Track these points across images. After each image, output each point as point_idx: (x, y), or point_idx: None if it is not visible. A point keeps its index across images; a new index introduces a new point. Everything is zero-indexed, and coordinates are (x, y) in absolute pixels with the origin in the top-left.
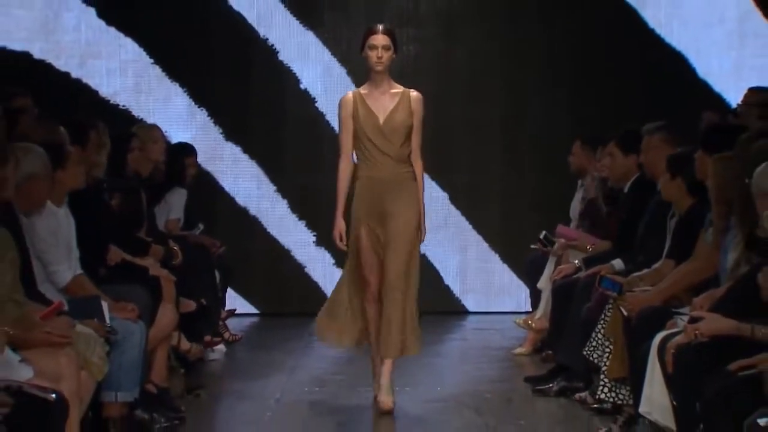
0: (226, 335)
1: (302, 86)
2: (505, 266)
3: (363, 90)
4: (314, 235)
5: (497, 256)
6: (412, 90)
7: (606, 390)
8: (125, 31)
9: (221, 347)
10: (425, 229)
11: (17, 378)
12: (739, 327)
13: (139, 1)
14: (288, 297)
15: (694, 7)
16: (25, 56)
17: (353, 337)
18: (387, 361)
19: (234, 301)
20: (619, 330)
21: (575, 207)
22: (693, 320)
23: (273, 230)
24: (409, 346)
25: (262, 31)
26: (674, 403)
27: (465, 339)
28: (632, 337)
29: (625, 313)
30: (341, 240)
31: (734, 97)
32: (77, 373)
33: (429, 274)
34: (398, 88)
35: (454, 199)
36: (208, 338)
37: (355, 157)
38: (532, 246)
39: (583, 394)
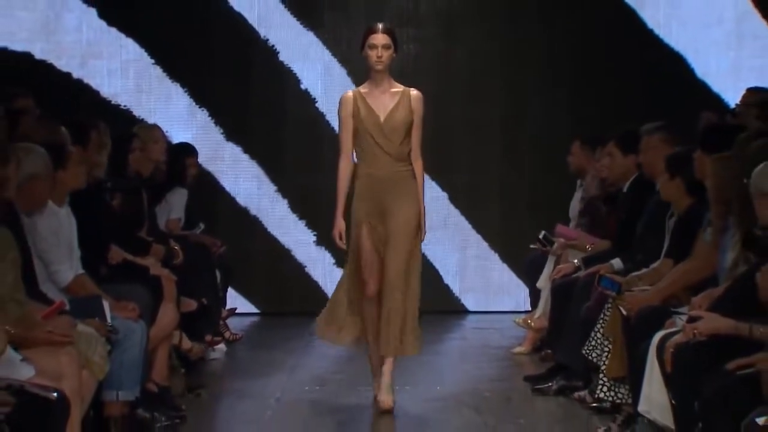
0: (227, 334)
1: (302, 86)
2: (505, 266)
3: (363, 89)
4: (314, 235)
5: (497, 255)
6: (412, 89)
7: (605, 389)
8: (126, 32)
9: (222, 346)
10: (425, 228)
11: (19, 377)
12: (738, 326)
13: (139, 2)
14: (288, 296)
15: (693, 7)
16: (27, 57)
17: (353, 335)
18: (387, 360)
19: (235, 300)
20: (618, 329)
21: (574, 207)
22: (691, 319)
23: (273, 230)
24: (408, 345)
25: (263, 32)
26: (673, 402)
27: (464, 338)
28: (631, 337)
29: (624, 313)
30: (341, 239)
31: (732, 97)
32: (78, 372)
33: (429, 273)
34: (398, 87)
35: (453, 199)
36: (208, 337)
37: (354, 156)
38: (532, 246)
39: (582, 393)
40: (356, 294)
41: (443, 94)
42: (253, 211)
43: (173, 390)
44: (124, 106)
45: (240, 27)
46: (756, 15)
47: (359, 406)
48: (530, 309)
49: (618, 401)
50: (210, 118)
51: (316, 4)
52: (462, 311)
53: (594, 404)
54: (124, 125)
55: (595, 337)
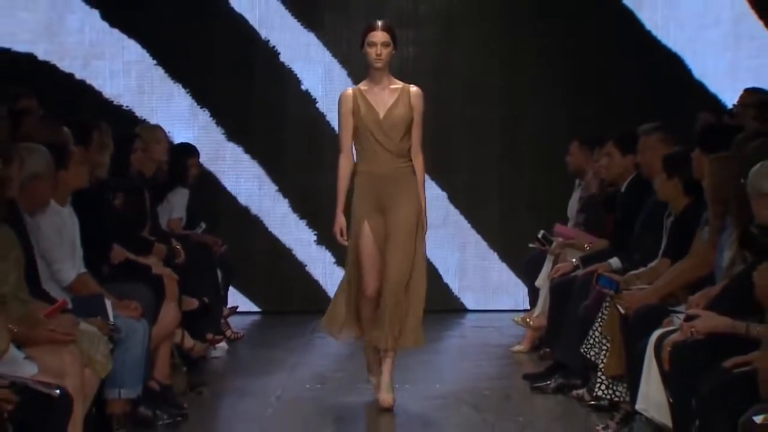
0: (228, 333)
1: (303, 87)
2: (504, 265)
3: (363, 86)
4: (315, 234)
5: (496, 254)
6: (411, 85)
7: (603, 387)
8: (128, 33)
9: (223, 345)
10: (426, 224)
11: (22, 375)
12: (734, 325)
13: (142, 4)
14: (289, 295)
15: (690, 9)
16: (30, 58)
17: (352, 332)
18: (387, 359)
19: (236, 299)
20: (616, 328)
21: (573, 206)
22: (689, 318)
23: (274, 229)
24: (408, 340)
25: (264, 33)
26: (670, 399)
27: (464, 336)
28: (629, 335)
29: (622, 311)
30: (342, 235)
31: (730, 97)
32: (81, 370)
33: (428, 272)
34: (398, 84)
35: (453, 199)
36: (210, 336)
37: (355, 154)
38: (531, 245)
39: (580, 391)
40: (356, 292)
41: (443, 94)
42: (254, 211)
43: (175, 388)
44: (127, 106)
45: (241, 28)
46: (753, 16)
47: (359, 403)
48: (529, 308)
49: (616, 399)
50: (211, 118)
51: (316, 5)
52: (461, 310)
53: (592, 402)
54: (126, 125)
55: (594, 336)
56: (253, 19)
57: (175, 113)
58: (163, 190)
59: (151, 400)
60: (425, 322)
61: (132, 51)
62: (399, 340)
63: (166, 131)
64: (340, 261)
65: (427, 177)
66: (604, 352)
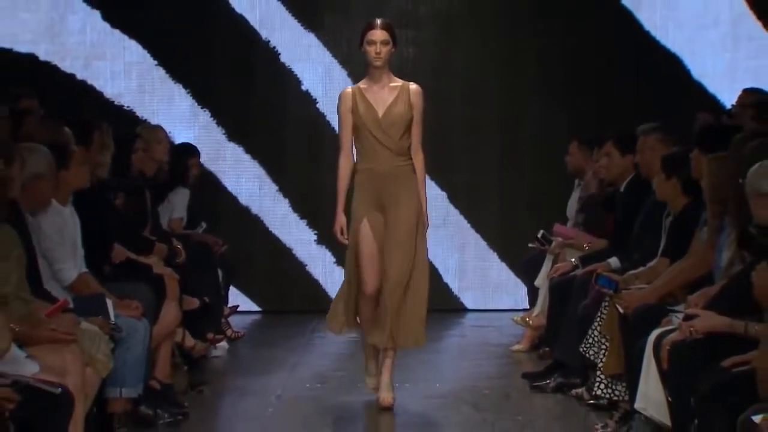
0: (229, 332)
1: (303, 88)
2: (503, 264)
3: (362, 84)
4: (315, 234)
5: (495, 254)
6: (411, 83)
7: (602, 386)
8: (129, 34)
9: (224, 344)
10: (428, 222)
11: (23, 373)
12: (733, 324)
13: (143, 4)
14: (289, 295)
15: (689, 9)
16: (31, 58)
17: (354, 328)
18: (387, 359)
19: (236, 298)
20: (615, 327)
21: (572, 206)
22: (688, 318)
23: (275, 229)
24: (408, 338)
25: (264, 34)
26: (669, 399)
27: (464, 336)
28: (628, 334)
29: (621, 311)
30: (342, 234)
31: (728, 98)
32: (82, 369)
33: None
34: (397, 82)
35: (453, 199)
36: (210, 335)
37: (354, 152)
38: (530, 245)
39: (579, 390)
40: (355, 290)
41: (443, 94)
42: (255, 211)
43: (176, 387)
44: (128, 106)
45: (241, 29)
46: (751, 17)
47: (360, 403)
48: (528, 307)
49: (615, 398)
50: (212, 118)
51: (316, 6)
52: (461, 309)
53: (591, 401)
54: (127, 126)
55: (593, 335)
56: (253, 19)
57: (176, 113)
58: (164, 190)
59: (152, 399)
60: (425, 321)
61: (133, 51)
62: (398, 340)
63: (167, 131)
64: (340, 261)
65: (427, 177)
66: (603, 351)
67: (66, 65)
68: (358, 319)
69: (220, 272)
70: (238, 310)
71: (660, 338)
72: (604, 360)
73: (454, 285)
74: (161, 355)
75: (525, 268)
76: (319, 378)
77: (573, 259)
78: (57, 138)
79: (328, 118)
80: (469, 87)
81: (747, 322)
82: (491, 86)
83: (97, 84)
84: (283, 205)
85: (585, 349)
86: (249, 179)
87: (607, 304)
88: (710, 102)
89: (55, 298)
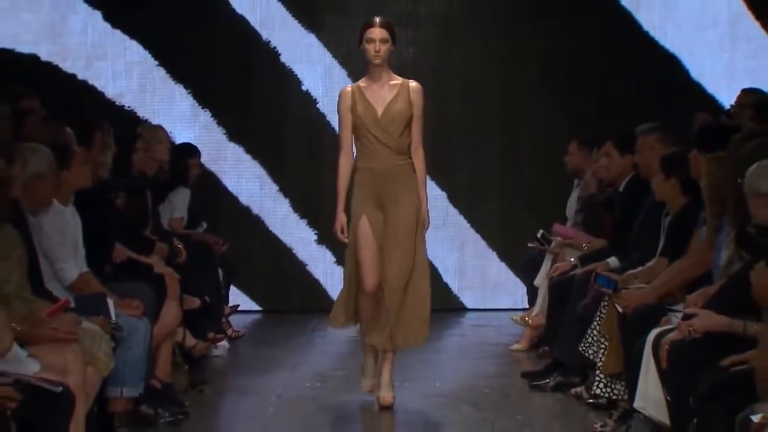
0: (230, 332)
1: (304, 88)
2: (503, 264)
3: (362, 83)
4: (316, 234)
5: (495, 254)
6: (411, 81)
7: (601, 385)
8: (130, 34)
9: (224, 343)
10: (428, 219)
11: (25, 372)
12: (732, 323)
13: (144, 5)
14: (290, 294)
15: (688, 10)
16: (33, 59)
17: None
18: (387, 357)
19: (237, 298)
20: (614, 326)
21: (571, 206)
22: (687, 317)
23: (275, 229)
24: (405, 339)
25: (265, 34)
26: (668, 398)
27: (463, 335)
28: (627, 334)
29: (620, 310)
30: (342, 233)
31: (727, 98)
32: (83, 368)
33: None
34: (397, 80)
35: (452, 198)
36: (211, 335)
37: (354, 151)
38: (530, 244)
39: (578, 390)
40: (355, 288)
41: (443, 94)
42: (255, 211)
43: (176, 386)
44: (129, 107)
45: (242, 29)
46: (750, 17)
47: (360, 402)
48: (528, 306)
49: (614, 397)
50: (212, 118)
51: (316, 6)
52: (460, 309)
53: (591, 400)
54: (128, 126)
55: (592, 334)
56: (254, 20)
57: (177, 113)
58: (165, 189)
59: (152, 399)
60: (428, 321)
61: (134, 52)
62: (397, 341)
63: (168, 131)
64: (341, 260)
65: (427, 176)
66: (602, 350)
67: (67, 65)
68: (357, 318)
69: (220, 272)
70: (238, 309)
71: (659, 337)
72: (603, 359)
73: (453, 284)
74: (162, 354)
75: (524, 268)
76: (320, 377)
77: (572, 259)
78: (58, 138)
79: (328, 118)
80: (469, 87)
81: (745, 322)
82: (491, 86)
83: (99, 84)
84: (283, 205)
85: (584, 348)
86: (249, 179)
87: (606, 303)
88: (709, 102)
89: (57, 298)
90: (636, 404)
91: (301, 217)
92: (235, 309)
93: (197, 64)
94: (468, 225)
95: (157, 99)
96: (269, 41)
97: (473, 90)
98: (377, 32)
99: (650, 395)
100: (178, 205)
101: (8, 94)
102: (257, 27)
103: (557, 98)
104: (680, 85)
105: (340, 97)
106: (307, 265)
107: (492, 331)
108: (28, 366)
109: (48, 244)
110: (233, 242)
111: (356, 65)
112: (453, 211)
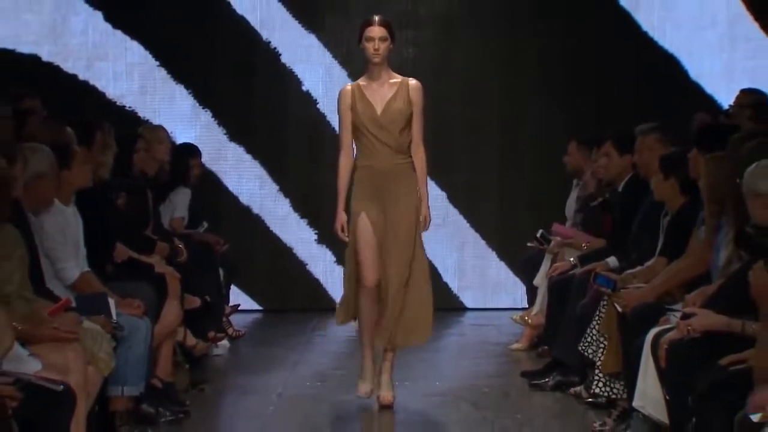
0: (230, 331)
1: (304, 88)
2: (502, 264)
3: (362, 81)
4: (316, 234)
5: (494, 253)
6: (411, 79)
7: (600, 384)
8: (131, 35)
9: (225, 343)
10: (429, 217)
11: (26, 371)
12: (730, 323)
13: (144, 5)
14: (290, 294)
15: (687, 10)
16: (34, 59)
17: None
18: (386, 360)
19: (237, 297)
20: (613, 326)
21: (571, 206)
22: (685, 316)
23: (275, 228)
24: (405, 339)
25: (265, 34)
26: (667, 397)
27: (463, 335)
28: (626, 333)
29: (620, 310)
30: (343, 231)
31: (725, 98)
32: (84, 367)
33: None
34: (397, 78)
35: (452, 198)
36: (212, 334)
37: (355, 149)
38: (529, 244)
39: (578, 389)
40: (355, 286)
41: (443, 94)
42: (256, 210)
43: (177, 385)
44: (130, 107)
45: (243, 30)
46: (748, 18)
47: (359, 401)
48: (527, 306)
49: (613, 396)
50: (213, 118)
51: (317, 7)
52: (460, 308)
53: (590, 399)
54: (129, 126)
55: (591, 334)
56: (254, 20)
57: (178, 114)
58: (166, 189)
59: (153, 398)
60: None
61: (135, 52)
62: (397, 340)
63: (169, 131)
64: (341, 260)
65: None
66: (601, 349)
67: (68, 66)
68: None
69: (221, 271)
70: (239, 308)
71: (658, 337)
72: (602, 358)
73: (453, 284)
74: (163, 353)
75: (524, 267)
76: (320, 376)
77: (571, 259)
78: (59, 138)
79: (328, 118)
80: (469, 87)
81: (744, 321)
82: (491, 86)
83: (99, 85)
84: (283, 205)
85: (583, 347)
86: (250, 179)
87: (605, 303)
88: (708, 102)
89: (58, 297)
90: (635, 403)
91: (302, 217)
92: (235, 308)
93: (198, 65)
94: (468, 225)
95: (157, 99)
96: (270, 42)
97: (473, 90)
98: (376, 30)
99: (649, 394)
100: (178, 205)
101: (10, 95)
102: (258, 27)
103: (557, 98)
104: (679, 86)
105: (339, 95)
106: (307, 264)
107: (492, 331)
108: (30, 365)
109: (49, 244)
110: (234, 242)
111: (356, 66)
112: (453, 211)
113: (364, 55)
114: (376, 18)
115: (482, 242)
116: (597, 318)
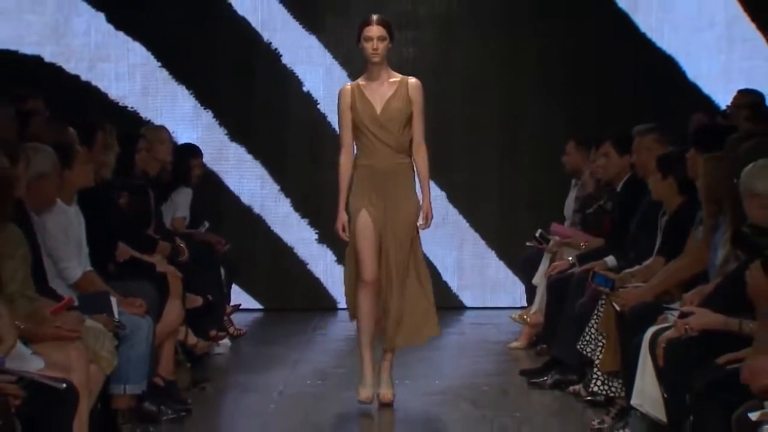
0: (231, 330)
1: (305, 89)
2: (501, 263)
3: (361, 81)
4: (317, 233)
5: (494, 253)
6: (410, 77)
7: (599, 383)
8: (133, 36)
9: (226, 342)
10: (431, 215)
11: (28, 369)
12: (728, 322)
13: (146, 7)
14: (291, 293)
15: (684, 12)
16: (37, 60)
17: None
18: (386, 360)
19: (239, 296)
20: (611, 325)
21: (569, 205)
22: (683, 315)
23: (276, 228)
24: (405, 339)
25: (266, 35)
26: (665, 395)
27: (462, 333)
28: (624, 332)
29: (618, 309)
30: (344, 231)
31: (723, 99)
32: (86, 366)
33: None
34: (396, 77)
35: (452, 198)
36: (213, 333)
37: (355, 149)
38: (528, 243)
39: (576, 387)
40: (355, 284)
41: (442, 94)
42: (257, 210)
43: (179, 384)
44: (132, 108)
45: (243, 31)
46: (745, 19)
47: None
48: (526, 305)
49: (611, 395)
50: (215, 119)
51: (317, 8)
52: (460, 307)
53: (588, 398)
54: (131, 126)
55: (590, 333)
56: (255, 21)
57: (179, 114)
58: (167, 189)
59: (155, 396)
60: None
61: (137, 53)
62: (398, 339)
63: (170, 132)
64: (341, 259)
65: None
66: (600, 348)
67: (71, 67)
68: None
69: (222, 271)
70: (240, 308)
71: (656, 335)
72: (600, 357)
73: (453, 283)
74: (164, 352)
75: (523, 267)
76: (320, 375)
77: (570, 258)
78: (61, 138)
79: (329, 119)
80: (469, 87)
81: (741, 320)
82: (491, 86)
83: (102, 85)
84: (284, 205)
85: (582, 346)
86: (251, 179)
87: (603, 302)
88: (705, 103)
89: (60, 296)
90: (633, 401)
91: (302, 217)
92: (236, 308)
93: (199, 66)
94: (467, 224)
95: (159, 100)
96: (270, 42)
97: (473, 90)
98: (375, 30)
99: (647, 393)
100: (180, 204)
101: (13, 95)
102: (258, 28)
103: (557, 98)
104: (677, 86)
105: (339, 95)
106: (307, 264)
107: (491, 330)
108: (32, 363)
109: (52, 243)
110: (235, 242)
111: (357, 66)
112: (452, 211)
113: (363, 54)
114: (375, 17)
115: (482, 242)
116: (595, 317)
